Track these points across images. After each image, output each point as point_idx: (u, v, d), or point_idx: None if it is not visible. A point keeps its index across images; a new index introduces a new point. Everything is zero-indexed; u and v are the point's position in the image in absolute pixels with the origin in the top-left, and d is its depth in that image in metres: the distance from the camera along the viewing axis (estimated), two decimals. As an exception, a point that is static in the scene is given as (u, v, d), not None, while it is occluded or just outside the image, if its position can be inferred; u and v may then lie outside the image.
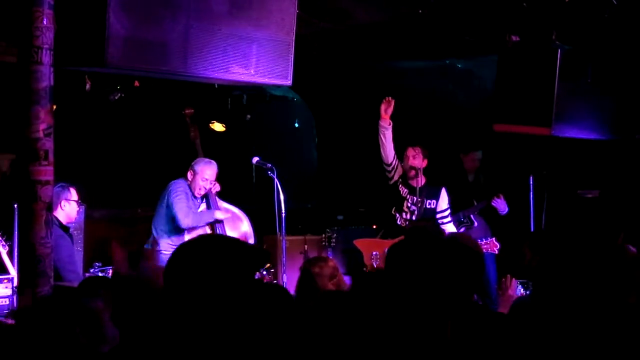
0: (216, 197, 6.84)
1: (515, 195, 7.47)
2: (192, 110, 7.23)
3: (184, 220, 6.47)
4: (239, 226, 6.89)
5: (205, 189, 6.66)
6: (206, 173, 6.62)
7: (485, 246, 7.01)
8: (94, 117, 8.25)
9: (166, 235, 6.63)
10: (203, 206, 6.78)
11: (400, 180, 7.12)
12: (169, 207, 6.54)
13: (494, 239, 7.10)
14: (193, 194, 6.65)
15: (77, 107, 7.80)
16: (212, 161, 6.73)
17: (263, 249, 6.49)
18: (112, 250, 4.77)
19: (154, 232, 6.73)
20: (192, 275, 1.92)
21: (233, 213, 6.89)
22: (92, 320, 2.82)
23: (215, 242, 2.03)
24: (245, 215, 6.95)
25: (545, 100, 6.23)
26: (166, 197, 6.60)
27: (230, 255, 1.90)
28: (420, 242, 4.39)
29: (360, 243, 7.44)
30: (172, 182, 6.67)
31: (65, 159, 4.89)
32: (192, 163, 6.70)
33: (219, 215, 6.69)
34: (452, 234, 6.43)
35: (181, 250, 2.07)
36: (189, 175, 6.64)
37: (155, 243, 6.66)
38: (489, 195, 7.46)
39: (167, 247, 6.61)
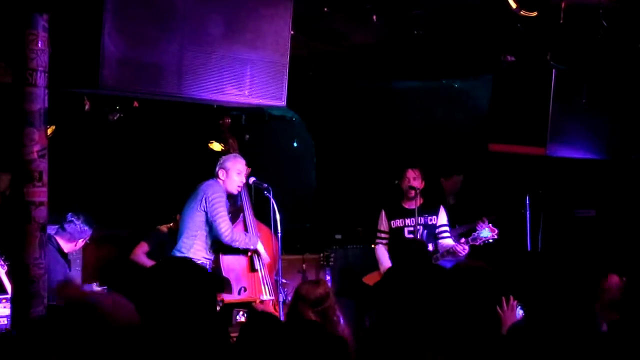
0: (253, 216, 6.62)
1: (511, 215, 7.47)
2: (230, 120, 6.94)
3: (227, 234, 6.13)
4: (271, 246, 6.68)
5: (242, 183, 6.36)
6: (238, 166, 6.37)
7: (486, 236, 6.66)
8: (93, 137, 8.29)
9: (200, 244, 6.24)
10: (240, 227, 6.57)
11: (390, 224, 7.16)
12: (207, 214, 6.17)
13: (489, 223, 6.74)
14: (228, 196, 6.32)
15: (77, 127, 7.83)
16: (239, 155, 6.51)
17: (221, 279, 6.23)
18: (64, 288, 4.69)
19: (183, 240, 6.27)
20: (165, 299, 1.95)
21: (265, 233, 6.70)
22: None
23: (184, 268, 2.06)
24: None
25: (540, 120, 6.26)
26: (202, 202, 6.20)
27: (198, 280, 1.93)
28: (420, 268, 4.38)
29: (368, 279, 7.28)
30: (207, 184, 6.30)
31: (65, 178, 4.90)
32: (221, 161, 6.41)
33: (259, 246, 6.47)
34: (463, 261, 6.39)
35: (153, 273, 2.10)
36: (221, 174, 6.34)
37: (186, 250, 6.20)
38: (472, 219, 7.19)
39: (200, 257, 6.13)
